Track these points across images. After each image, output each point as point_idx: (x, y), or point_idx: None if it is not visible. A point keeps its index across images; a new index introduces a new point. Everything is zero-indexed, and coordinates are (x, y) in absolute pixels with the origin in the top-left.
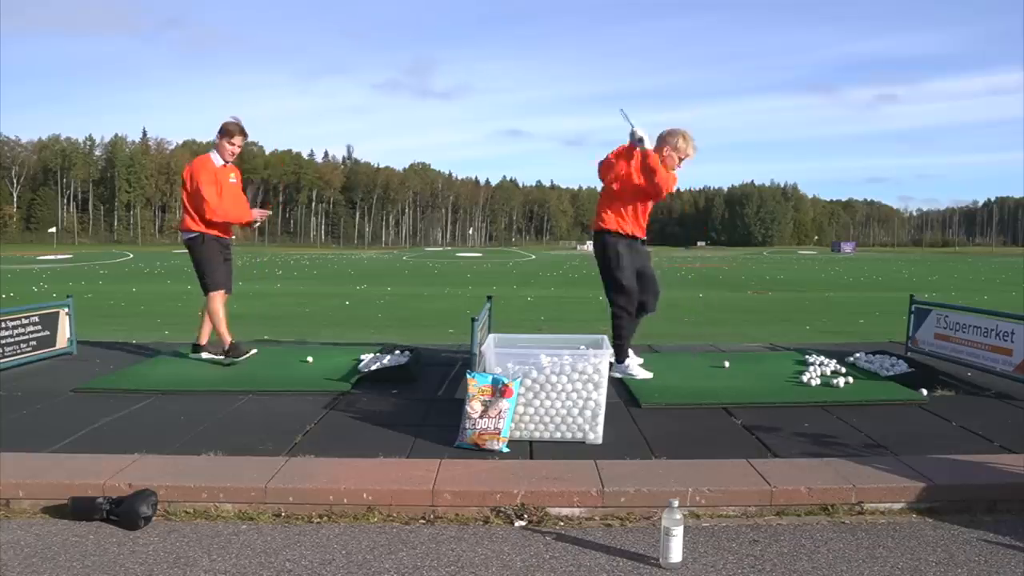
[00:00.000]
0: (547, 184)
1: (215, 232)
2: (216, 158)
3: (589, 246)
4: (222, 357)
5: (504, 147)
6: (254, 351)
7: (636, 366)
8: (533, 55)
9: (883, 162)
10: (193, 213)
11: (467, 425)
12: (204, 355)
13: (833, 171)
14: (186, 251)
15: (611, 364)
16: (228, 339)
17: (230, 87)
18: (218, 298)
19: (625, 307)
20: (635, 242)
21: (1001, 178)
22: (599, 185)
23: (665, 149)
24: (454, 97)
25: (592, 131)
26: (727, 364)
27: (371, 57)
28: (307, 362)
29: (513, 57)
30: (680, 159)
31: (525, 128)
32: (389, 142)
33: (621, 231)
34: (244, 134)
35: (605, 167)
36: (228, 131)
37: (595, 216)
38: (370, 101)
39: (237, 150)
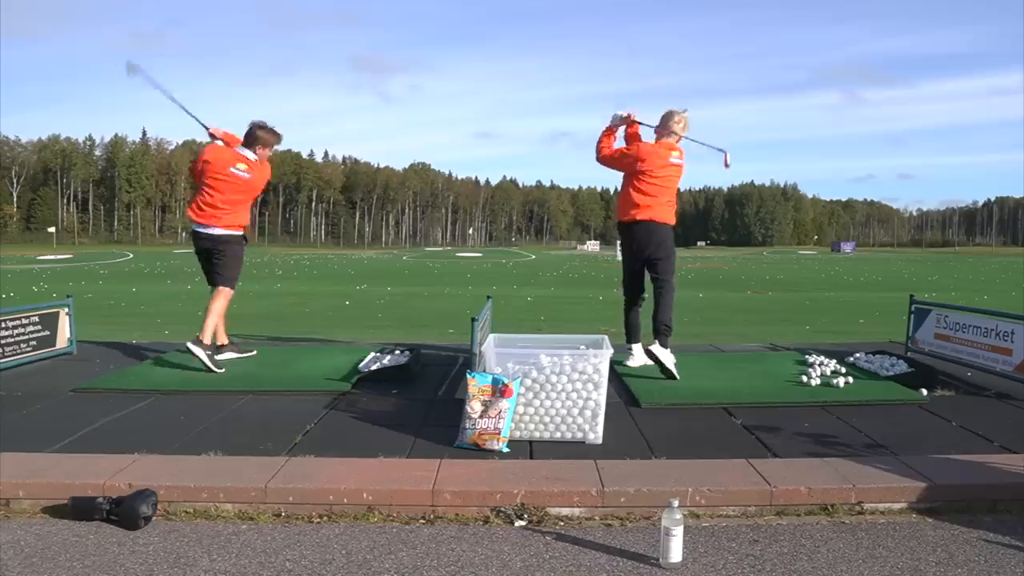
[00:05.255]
0: (547, 184)
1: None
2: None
3: (589, 246)
4: (238, 355)
5: (480, 149)
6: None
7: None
8: (517, 55)
9: (878, 162)
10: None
11: (467, 425)
12: (228, 355)
13: (832, 171)
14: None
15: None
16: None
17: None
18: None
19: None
20: None
21: (1001, 179)
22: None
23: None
24: (431, 99)
25: (573, 132)
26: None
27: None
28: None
29: (493, 57)
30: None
31: (496, 130)
32: (381, 145)
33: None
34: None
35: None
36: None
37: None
38: (339, 103)
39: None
